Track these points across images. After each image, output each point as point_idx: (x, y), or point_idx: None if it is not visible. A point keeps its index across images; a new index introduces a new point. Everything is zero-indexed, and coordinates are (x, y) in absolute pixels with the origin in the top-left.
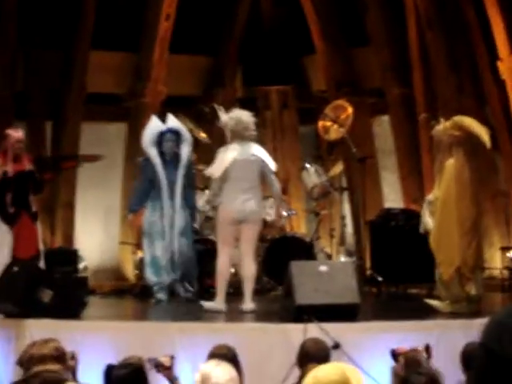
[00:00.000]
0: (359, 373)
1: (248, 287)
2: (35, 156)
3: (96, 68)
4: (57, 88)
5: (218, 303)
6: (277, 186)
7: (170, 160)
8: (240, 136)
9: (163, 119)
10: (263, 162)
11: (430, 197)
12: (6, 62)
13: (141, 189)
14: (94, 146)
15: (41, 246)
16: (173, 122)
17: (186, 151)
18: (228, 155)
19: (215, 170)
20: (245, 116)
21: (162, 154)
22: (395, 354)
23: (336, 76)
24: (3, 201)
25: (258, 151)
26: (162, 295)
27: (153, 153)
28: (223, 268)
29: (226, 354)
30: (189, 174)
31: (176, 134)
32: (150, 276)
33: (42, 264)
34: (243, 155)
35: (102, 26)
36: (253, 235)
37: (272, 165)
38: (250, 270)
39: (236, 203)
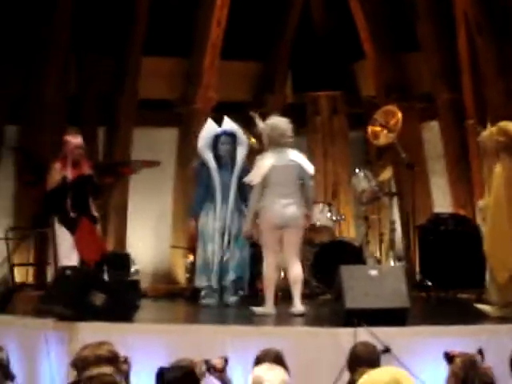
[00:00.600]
0: (410, 377)
1: (296, 290)
2: (93, 162)
3: (148, 74)
4: (109, 94)
5: (268, 308)
6: (311, 191)
7: (226, 163)
8: (276, 142)
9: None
10: (301, 166)
11: (480, 203)
12: (59, 67)
13: (200, 193)
14: (145, 152)
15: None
16: (229, 124)
17: (241, 154)
18: (266, 162)
19: (254, 176)
20: (281, 123)
21: (217, 157)
22: (449, 357)
23: (385, 81)
24: (64, 206)
25: (295, 156)
26: (209, 300)
27: (208, 156)
28: (269, 273)
29: (272, 358)
30: (244, 177)
31: (232, 136)
32: (200, 280)
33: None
34: (281, 161)
35: (153, 32)
36: (295, 239)
37: (310, 169)
38: (296, 273)
39: (276, 208)
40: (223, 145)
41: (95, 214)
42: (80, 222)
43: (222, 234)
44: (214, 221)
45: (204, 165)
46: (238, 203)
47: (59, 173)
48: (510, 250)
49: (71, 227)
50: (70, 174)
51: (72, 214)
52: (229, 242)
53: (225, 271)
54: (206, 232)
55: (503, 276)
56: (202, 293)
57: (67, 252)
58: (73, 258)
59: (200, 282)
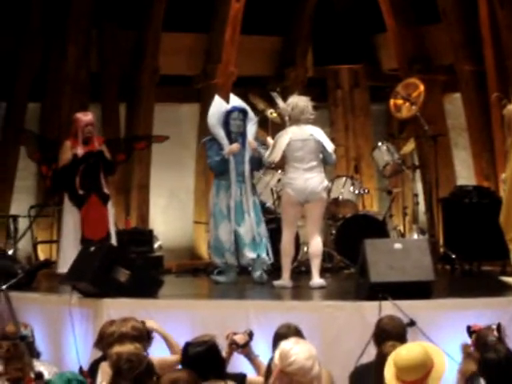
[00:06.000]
0: (442, 352)
1: (315, 264)
2: (108, 138)
3: (168, 50)
4: (130, 70)
5: (285, 280)
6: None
7: (236, 139)
8: (296, 119)
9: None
10: (320, 142)
11: (503, 176)
12: (80, 44)
13: (216, 160)
14: (166, 127)
15: (111, 228)
16: (237, 101)
17: (252, 130)
18: (284, 138)
19: (274, 155)
20: (301, 101)
21: (227, 133)
22: (471, 331)
23: (407, 54)
24: (73, 183)
25: (314, 132)
26: (221, 277)
27: (221, 133)
28: (287, 247)
29: (294, 332)
30: (255, 153)
31: (242, 112)
32: (214, 258)
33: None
34: (299, 136)
35: (173, 8)
36: (317, 214)
37: (329, 146)
38: (316, 247)
39: (297, 183)
40: (235, 121)
41: (107, 191)
42: (88, 200)
43: (238, 211)
44: (225, 199)
45: (214, 140)
46: (251, 179)
47: (70, 150)
48: None
49: (79, 204)
50: (80, 151)
51: (80, 192)
52: (250, 221)
53: (242, 249)
54: (218, 211)
55: None
56: (215, 270)
57: (71, 229)
58: (75, 236)
59: (214, 259)
